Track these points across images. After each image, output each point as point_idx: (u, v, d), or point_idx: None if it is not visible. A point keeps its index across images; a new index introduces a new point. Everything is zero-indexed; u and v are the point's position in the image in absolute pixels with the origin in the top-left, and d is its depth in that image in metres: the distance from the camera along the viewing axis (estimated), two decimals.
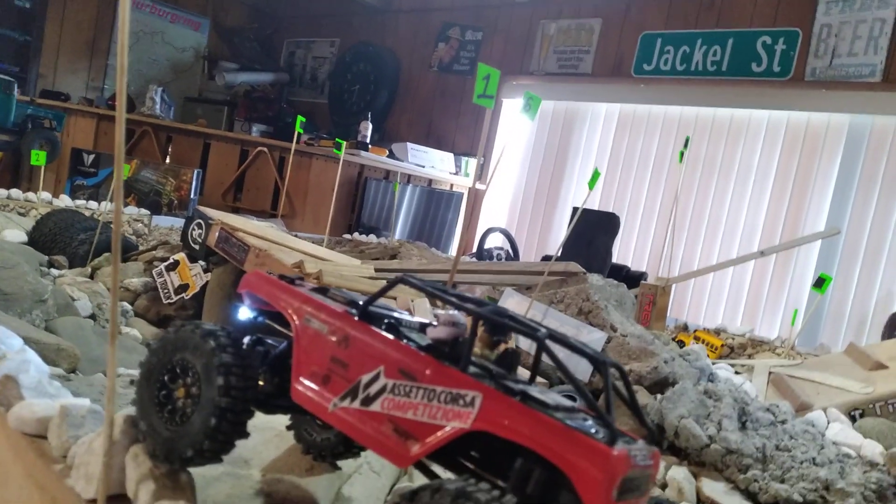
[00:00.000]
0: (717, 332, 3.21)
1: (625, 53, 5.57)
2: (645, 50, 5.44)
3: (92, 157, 4.99)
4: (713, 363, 2.31)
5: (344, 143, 3.27)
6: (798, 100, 4.75)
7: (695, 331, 3.26)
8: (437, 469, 0.89)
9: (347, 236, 4.64)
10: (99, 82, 7.17)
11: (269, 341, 1.00)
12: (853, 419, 1.97)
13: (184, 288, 2.41)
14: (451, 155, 6.27)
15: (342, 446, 1.09)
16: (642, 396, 1.81)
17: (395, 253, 3.79)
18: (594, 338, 1.93)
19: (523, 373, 1.07)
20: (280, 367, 0.97)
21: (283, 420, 1.13)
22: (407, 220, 5.86)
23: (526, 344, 1.86)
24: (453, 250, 6.00)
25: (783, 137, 4.87)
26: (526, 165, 6.24)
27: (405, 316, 0.95)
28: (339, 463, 1.12)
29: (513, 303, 2.11)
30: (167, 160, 5.79)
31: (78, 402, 1.05)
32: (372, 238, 4.53)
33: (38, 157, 2.99)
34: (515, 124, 6.27)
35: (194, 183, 5.12)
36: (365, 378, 0.83)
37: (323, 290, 1.00)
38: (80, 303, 2.10)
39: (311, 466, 1.10)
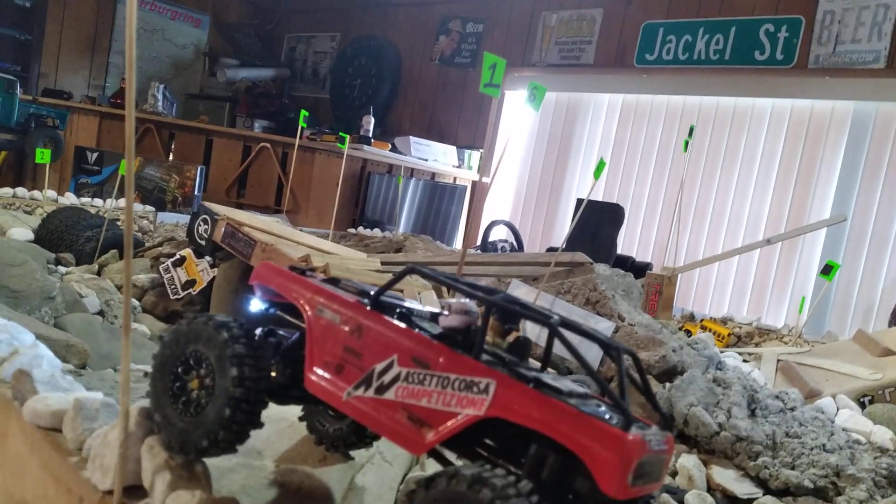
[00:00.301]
0: (724, 321, 3.21)
1: (627, 43, 5.55)
2: (647, 40, 5.42)
3: (95, 154, 5.00)
4: (721, 352, 2.31)
5: (348, 137, 3.26)
6: (802, 88, 4.72)
7: (701, 320, 3.26)
8: (451, 458, 0.90)
9: (352, 231, 4.64)
10: (101, 80, 7.17)
11: (281, 333, 1.00)
12: (862, 406, 1.97)
13: (191, 283, 2.41)
14: (454, 148, 6.26)
15: (354, 436, 1.09)
16: (651, 385, 1.81)
17: (401, 246, 3.80)
18: (602, 327, 1.93)
19: (533, 363, 1.07)
20: (292, 358, 0.97)
21: (295, 411, 1.13)
22: (410, 214, 5.86)
23: (533, 335, 1.86)
24: (457, 244, 6.00)
25: (787, 126, 4.85)
26: (529, 158, 6.23)
27: (416, 306, 0.96)
28: (352, 453, 1.12)
29: (520, 294, 2.11)
30: (170, 157, 5.79)
31: (91, 396, 1.06)
32: (376, 232, 4.54)
33: (42, 156, 2.99)
34: (518, 116, 6.26)
35: (198, 179, 5.13)
36: (378, 367, 0.83)
37: (334, 280, 1.00)
38: (88, 299, 2.10)
39: (324, 457, 1.10)
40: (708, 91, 5.18)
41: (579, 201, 4.12)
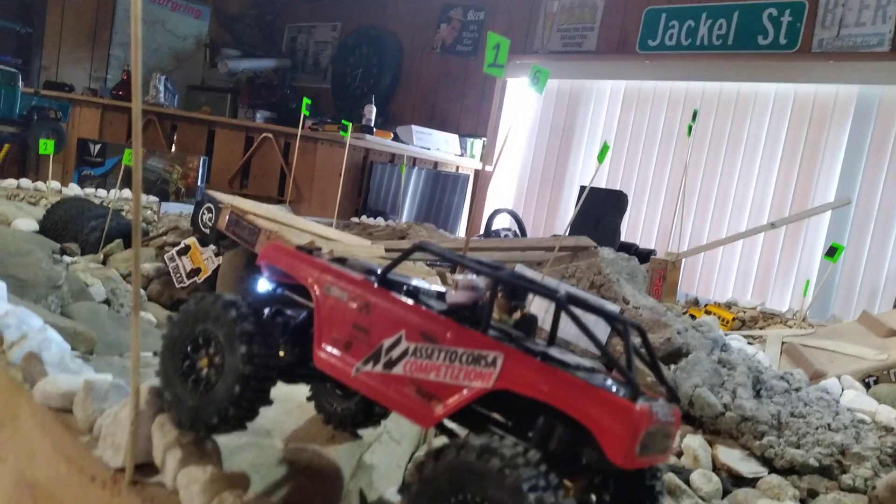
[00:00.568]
0: (728, 305, 3.21)
1: (629, 29, 5.52)
2: (649, 25, 5.39)
3: (98, 146, 5.00)
4: (725, 335, 2.32)
5: (350, 125, 3.26)
6: (805, 72, 4.70)
7: (705, 305, 3.26)
8: (460, 434, 0.90)
9: (355, 220, 4.64)
10: (102, 73, 7.16)
11: (289, 313, 1.01)
12: (867, 386, 1.97)
13: (196, 272, 2.42)
14: (456, 137, 6.24)
15: (362, 415, 1.10)
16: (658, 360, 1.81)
17: (404, 235, 3.80)
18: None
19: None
20: (300, 338, 0.98)
21: (303, 392, 1.14)
22: (413, 204, 5.86)
23: (539, 319, 1.86)
24: (461, 232, 6.00)
25: (791, 110, 4.83)
26: (532, 146, 6.22)
27: (423, 284, 0.96)
28: (360, 432, 1.13)
29: None
30: (173, 149, 5.80)
31: (101, 377, 1.07)
32: (380, 221, 4.54)
33: (46, 146, 3.00)
34: (520, 104, 6.24)
35: (201, 170, 5.13)
36: (387, 342, 0.83)
37: (341, 260, 1.00)
38: (93, 288, 2.11)
39: (333, 436, 1.11)
40: (711, 76, 5.16)
41: (583, 188, 4.11)
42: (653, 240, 5.32)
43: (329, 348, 0.89)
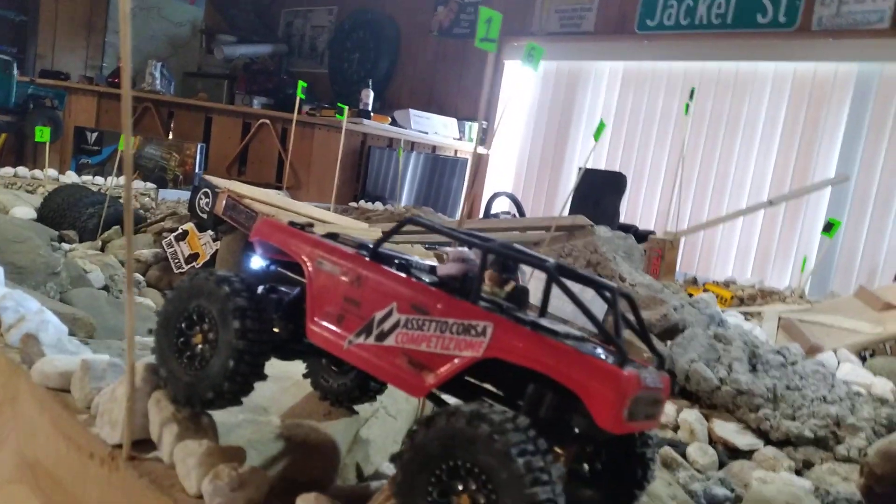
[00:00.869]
0: (727, 284, 3.21)
1: (627, 9, 5.47)
2: (648, 5, 5.35)
3: (95, 135, 4.99)
4: (722, 312, 2.32)
5: (346, 109, 3.25)
6: (804, 50, 4.66)
7: (704, 284, 3.27)
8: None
9: (353, 205, 4.64)
10: (98, 60, 7.13)
11: (282, 289, 1.02)
12: (863, 359, 1.98)
13: (194, 257, 2.43)
14: (454, 120, 6.22)
15: (358, 391, 1.11)
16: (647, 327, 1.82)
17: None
18: None
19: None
20: (294, 313, 0.98)
21: (299, 368, 1.15)
22: (412, 188, 5.85)
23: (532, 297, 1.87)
24: (459, 216, 5.99)
25: (790, 89, 4.80)
26: (530, 128, 6.19)
27: (414, 258, 0.97)
28: (356, 407, 1.14)
29: None
30: (170, 136, 5.78)
31: (98, 357, 1.08)
32: (378, 206, 4.54)
33: (42, 134, 2.99)
34: (518, 86, 6.21)
35: (198, 157, 5.13)
36: (378, 315, 0.84)
37: (333, 236, 1.01)
38: (92, 275, 2.12)
39: (329, 412, 1.12)
40: (710, 56, 5.12)
41: (580, 170, 4.10)
42: (652, 221, 5.32)
43: (322, 322, 0.90)
